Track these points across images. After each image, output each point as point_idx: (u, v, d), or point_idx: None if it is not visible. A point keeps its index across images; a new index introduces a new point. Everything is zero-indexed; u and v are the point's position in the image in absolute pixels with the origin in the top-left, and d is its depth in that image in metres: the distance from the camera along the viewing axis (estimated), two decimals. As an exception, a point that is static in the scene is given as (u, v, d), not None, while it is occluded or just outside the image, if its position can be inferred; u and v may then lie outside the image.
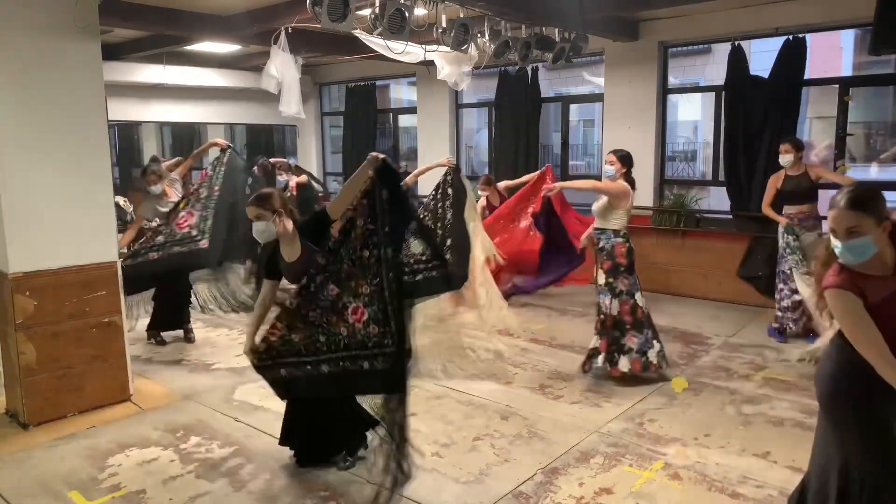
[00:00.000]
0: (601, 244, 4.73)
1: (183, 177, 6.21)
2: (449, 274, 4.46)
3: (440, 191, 5.35)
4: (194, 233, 5.20)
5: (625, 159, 4.73)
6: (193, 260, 5.23)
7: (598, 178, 8.13)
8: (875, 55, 4.96)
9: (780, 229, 5.50)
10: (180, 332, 6.00)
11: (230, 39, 7.20)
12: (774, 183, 5.59)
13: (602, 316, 4.74)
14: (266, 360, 3.22)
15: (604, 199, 4.72)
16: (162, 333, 5.93)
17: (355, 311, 2.97)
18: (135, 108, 9.53)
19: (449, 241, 5.12)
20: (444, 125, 9.57)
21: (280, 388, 3.32)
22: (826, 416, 2.43)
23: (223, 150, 5.57)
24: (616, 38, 7.35)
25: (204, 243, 5.18)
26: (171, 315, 5.89)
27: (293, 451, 3.64)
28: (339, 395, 3.33)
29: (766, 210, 5.61)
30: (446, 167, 5.41)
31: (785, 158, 5.51)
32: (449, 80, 6.41)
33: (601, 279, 4.74)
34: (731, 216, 7.24)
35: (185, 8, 6.33)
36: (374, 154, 3.02)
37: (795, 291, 5.49)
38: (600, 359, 4.73)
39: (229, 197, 5.36)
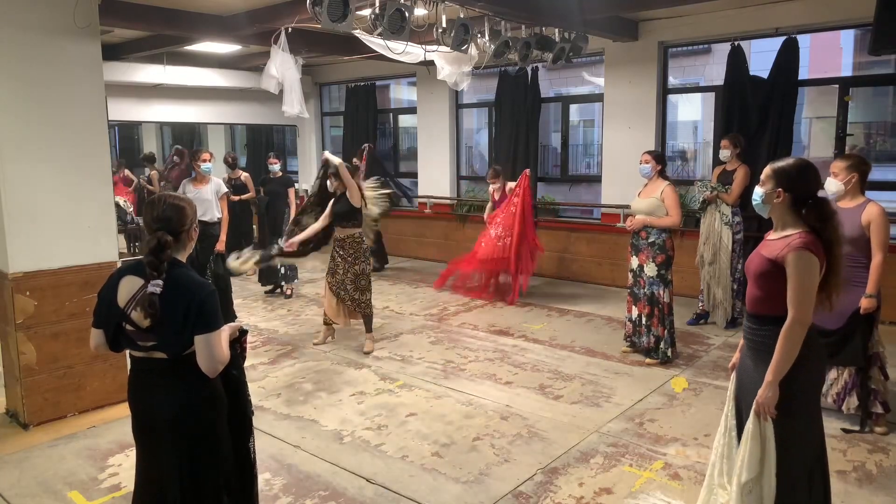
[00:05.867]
0: (651, 239, 5.00)
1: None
2: None
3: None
4: None
5: (660, 158, 5.09)
6: None
7: (599, 178, 8.18)
8: (875, 55, 4.95)
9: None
10: None
11: (230, 39, 7.20)
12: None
13: (659, 306, 5.05)
14: None
15: (657, 201, 4.97)
16: None
17: None
18: (135, 108, 9.52)
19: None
20: (444, 125, 9.57)
21: None
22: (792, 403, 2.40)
23: None
24: (616, 38, 7.35)
25: None
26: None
27: None
28: None
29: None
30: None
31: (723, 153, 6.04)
32: (449, 80, 6.41)
33: (652, 272, 5.02)
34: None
35: (185, 8, 6.33)
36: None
37: None
38: (663, 344, 5.09)
39: None
